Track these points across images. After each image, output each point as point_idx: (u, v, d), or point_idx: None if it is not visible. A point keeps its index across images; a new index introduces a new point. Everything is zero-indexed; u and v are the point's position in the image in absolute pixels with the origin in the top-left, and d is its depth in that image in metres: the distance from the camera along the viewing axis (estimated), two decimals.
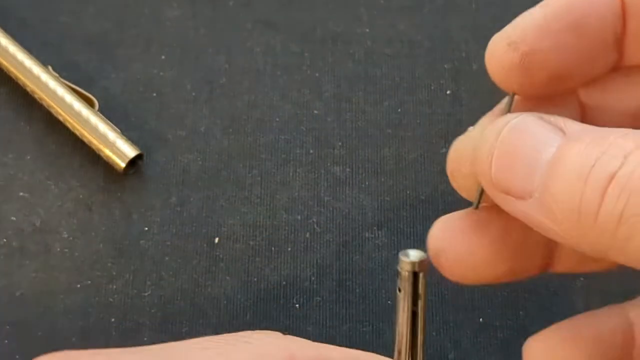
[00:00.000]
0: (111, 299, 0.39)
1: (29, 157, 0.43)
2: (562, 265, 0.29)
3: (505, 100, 0.28)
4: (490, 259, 0.28)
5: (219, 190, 0.42)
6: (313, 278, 0.40)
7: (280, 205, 0.42)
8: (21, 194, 0.42)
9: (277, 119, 0.44)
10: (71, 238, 0.41)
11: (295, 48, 0.46)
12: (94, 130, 0.42)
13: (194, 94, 0.44)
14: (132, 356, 0.29)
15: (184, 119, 0.44)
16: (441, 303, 0.39)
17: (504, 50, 0.26)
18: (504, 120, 0.25)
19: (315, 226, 0.41)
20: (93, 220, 0.41)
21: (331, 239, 0.41)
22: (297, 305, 0.39)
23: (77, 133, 0.42)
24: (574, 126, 0.24)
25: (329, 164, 0.43)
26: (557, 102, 0.28)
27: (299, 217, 0.41)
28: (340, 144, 0.43)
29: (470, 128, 0.29)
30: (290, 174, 0.42)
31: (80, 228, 0.41)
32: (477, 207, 0.28)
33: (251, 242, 0.41)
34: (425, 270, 0.28)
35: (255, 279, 0.40)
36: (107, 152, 0.41)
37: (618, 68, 0.28)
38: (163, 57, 0.45)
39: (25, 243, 0.41)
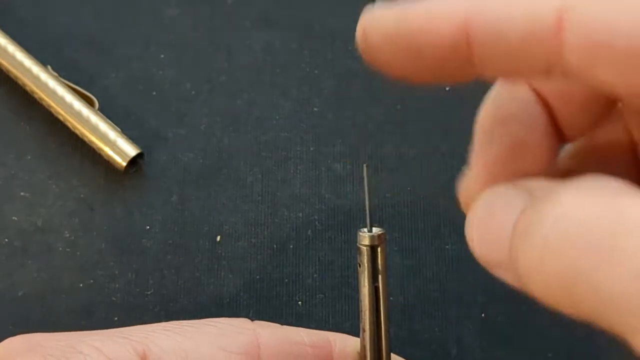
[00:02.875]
0: (114, 298, 0.40)
1: (29, 157, 0.43)
2: None
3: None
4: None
5: (220, 188, 0.42)
6: (315, 275, 0.40)
7: (282, 202, 0.42)
8: (22, 193, 0.42)
9: (277, 117, 0.44)
10: (73, 237, 0.41)
11: (294, 45, 0.46)
12: (95, 129, 0.42)
13: (193, 92, 0.44)
14: (92, 337, 0.29)
15: (184, 118, 0.44)
16: (443, 299, 0.39)
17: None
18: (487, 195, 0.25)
19: (317, 223, 0.41)
20: (94, 220, 0.41)
21: (333, 236, 0.41)
22: (299, 303, 0.39)
23: (78, 132, 0.42)
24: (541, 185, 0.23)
25: (329, 161, 0.43)
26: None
27: (301, 215, 0.41)
28: (340, 140, 0.43)
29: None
30: (291, 171, 0.42)
31: (81, 227, 0.41)
32: None
33: (253, 240, 0.41)
34: (384, 244, 0.29)
35: (258, 277, 0.40)
36: (107, 152, 0.41)
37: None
38: (162, 55, 0.45)
39: (27, 243, 0.41)
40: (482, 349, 0.38)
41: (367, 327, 0.30)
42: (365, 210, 0.29)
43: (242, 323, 0.32)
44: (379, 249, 0.29)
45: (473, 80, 0.23)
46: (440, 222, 0.41)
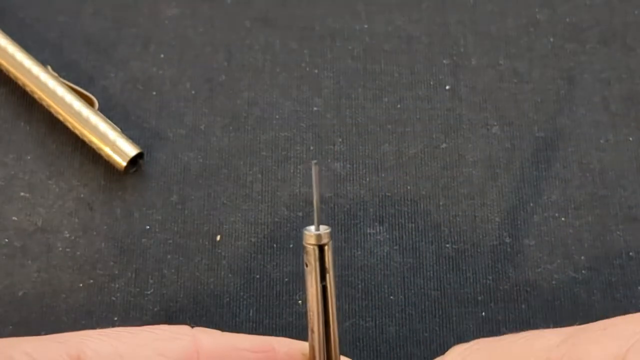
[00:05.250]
0: (114, 298, 0.39)
1: (29, 157, 0.43)
2: None
3: None
4: None
5: (219, 187, 0.42)
6: None
7: (282, 202, 0.42)
8: (22, 194, 0.42)
9: (277, 116, 0.44)
10: (73, 237, 0.41)
11: (294, 45, 0.46)
12: (95, 129, 0.42)
13: (193, 92, 0.44)
14: (25, 342, 0.29)
15: (184, 117, 0.44)
16: (443, 297, 0.39)
17: None
18: None
19: None
20: (94, 220, 0.41)
21: (333, 235, 0.41)
22: (299, 302, 0.39)
23: (77, 132, 0.42)
24: None
25: (329, 161, 0.43)
26: None
27: (300, 214, 0.41)
28: (340, 140, 0.43)
29: None
30: (291, 170, 0.42)
31: (81, 227, 0.41)
32: None
33: (253, 239, 0.41)
34: (330, 242, 0.29)
35: (258, 276, 0.40)
36: (107, 151, 0.41)
37: None
38: (162, 55, 0.45)
39: (27, 243, 0.41)
40: None
41: (315, 328, 0.30)
42: (313, 208, 0.29)
43: (181, 329, 0.32)
44: (325, 248, 0.29)
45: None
46: (440, 221, 0.41)
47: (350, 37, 0.46)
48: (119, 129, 0.42)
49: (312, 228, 0.29)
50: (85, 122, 0.42)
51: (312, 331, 0.30)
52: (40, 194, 0.42)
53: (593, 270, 0.40)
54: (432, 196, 0.42)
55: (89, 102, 0.43)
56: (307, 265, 0.29)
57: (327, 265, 0.29)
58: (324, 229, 0.29)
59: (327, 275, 0.29)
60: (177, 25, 0.46)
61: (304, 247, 0.29)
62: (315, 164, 0.28)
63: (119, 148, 0.41)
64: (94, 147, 0.42)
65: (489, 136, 0.43)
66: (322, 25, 0.46)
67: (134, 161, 0.42)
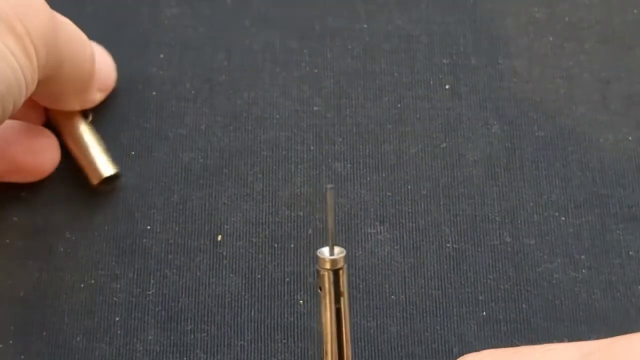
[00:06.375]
0: (115, 298, 0.40)
1: None
2: None
3: None
4: None
5: (220, 187, 0.42)
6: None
7: (282, 201, 0.42)
8: (23, 194, 0.42)
9: (277, 116, 0.44)
10: (74, 238, 0.41)
11: (294, 45, 0.46)
12: (79, 141, 0.42)
13: (193, 92, 0.44)
14: None
15: (184, 117, 0.44)
16: (444, 297, 0.39)
17: None
18: None
19: (318, 222, 0.41)
20: (95, 220, 0.41)
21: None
22: (301, 302, 0.39)
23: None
24: None
25: (329, 160, 0.43)
26: None
27: (301, 214, 0.41)
28: (340, 140, 0.43)
29: None
30: (292, 170, 0.42)
31: (82, 228, 0.41)
32: None
33: (254, 239, 0.41)
34: (345, 265, 0.28)
35: (259, 276, 0.40)
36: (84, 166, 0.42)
37: None
38: (162, 55, 0.45)
39: (28, 244, 0.41)
40: (484, 347, 0.38)
41: (329, 350, 0.30)
42: (328, 232, 0.28)
43: None
44: (340, 272, 0.29)
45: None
46: (441, 221, 0.41)
47: (350, 36, 0.46)
48: (103, 145, 0.42)
49: (326, 251, 0.29)
50: (72, 132, 0.42)
51: (326, 353, 0.30)
52: (42, 194, 0.42)
53: (593, 269, 0.40)
54: (432, 196, 0.42)
55: (83, 114, 0.43)
56: (320, 289, 0.29)
57: (341, 288, 0.29)
58: (339, 252, 0.29)
59: (342, 298, 0.29)
60: (176, 25, 0.46)
61: (317, 271, 0.29)
62: (331, 188, 0.28)
63: (95, 166, 0.41)
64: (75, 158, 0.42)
65: (489, 135, 0.43)
66: (322, 25, 0.46)
67: (110, 179, 0.41)
